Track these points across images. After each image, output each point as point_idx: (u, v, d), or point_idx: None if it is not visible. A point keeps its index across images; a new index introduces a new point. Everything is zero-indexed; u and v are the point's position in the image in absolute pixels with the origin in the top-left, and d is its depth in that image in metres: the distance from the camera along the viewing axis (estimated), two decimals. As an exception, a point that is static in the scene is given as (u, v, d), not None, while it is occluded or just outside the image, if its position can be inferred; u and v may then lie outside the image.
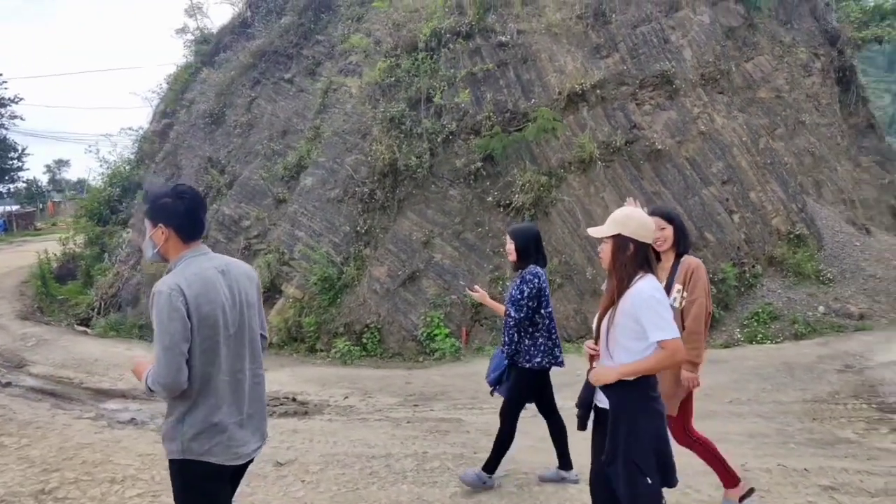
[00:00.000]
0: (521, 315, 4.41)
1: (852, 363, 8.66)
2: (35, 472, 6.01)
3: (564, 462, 4.75)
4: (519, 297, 4.43)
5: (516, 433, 4.64)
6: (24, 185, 47.54)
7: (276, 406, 7.96)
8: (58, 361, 10.50)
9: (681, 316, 4.10)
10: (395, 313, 11.25)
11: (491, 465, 4.65)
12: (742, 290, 11.29)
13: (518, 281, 4.52)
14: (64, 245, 20.29)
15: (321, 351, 11.22)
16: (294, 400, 8.17)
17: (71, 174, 77.86)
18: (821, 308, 11.11)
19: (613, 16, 12.43)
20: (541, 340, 4.49)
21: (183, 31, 19.51)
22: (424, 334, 10.74)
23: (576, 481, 4.69)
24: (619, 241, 3.04)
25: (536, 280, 4.45)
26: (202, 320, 2.60)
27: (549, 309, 4.55)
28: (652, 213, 4.22)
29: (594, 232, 3.19)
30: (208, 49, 18.83)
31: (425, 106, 12.03)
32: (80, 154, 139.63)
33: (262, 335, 2.99)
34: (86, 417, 7.76)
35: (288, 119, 15.25)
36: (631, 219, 3.08)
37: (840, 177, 14.73)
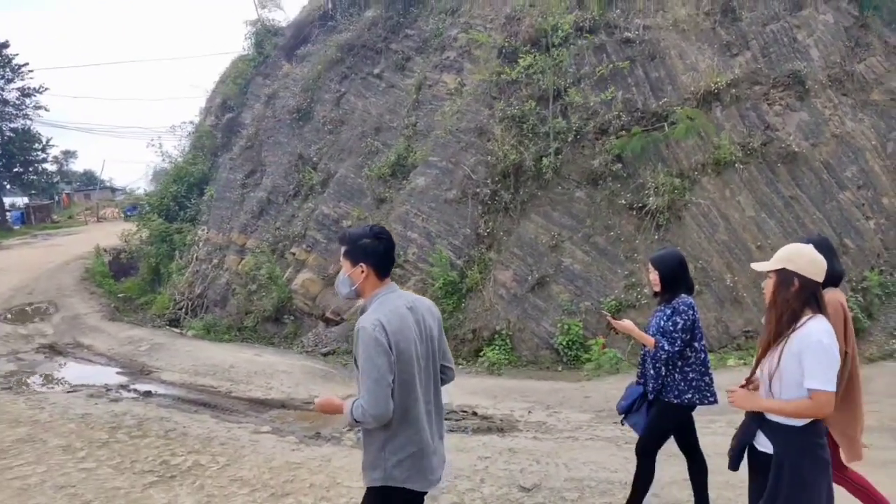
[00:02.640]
0: (676, 349, 4.11)
1: None
2: (263, 497, 5.65)
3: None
4: (672, 329, 4.13)
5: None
6: (35, 176, 46.76)
7: (458, 420, 7.60)
8: (187, 368, 10.10)
9: None
10: (526, 320, 10.87)
11: None
12: (884, 298, 10.93)
13: (669, 312, 4.21)
14: (127, 241, 19.87)
15: (450, 358, 10.82)
16: (475, 414, 7.79)
17: (77, 165, 77.33)
18: (963, 318, 10.77)
19: (743, 13, 12.04)
20: (692, 375, 4.19)
21: (255, 23, 19.01)
22: (563, 343, 10.36)
23: None
24: (784, 275, 2.91)
25: (691, 312, 4.16)
26: (400, 354, 2.73)
27: (703, 342, 4.27)
28: None
29: (758, 267, 3.07)
30: (283, 42, 18.36)
31: (551, 104, 11.63)
32: (86, 144, 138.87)
33: (448, 367, 3.13)
34: (264, 431, 7.40)
35: (380, 115, 14.83)
36: (800, 255, 2.93)
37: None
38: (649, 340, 4.22)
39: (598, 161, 11.13)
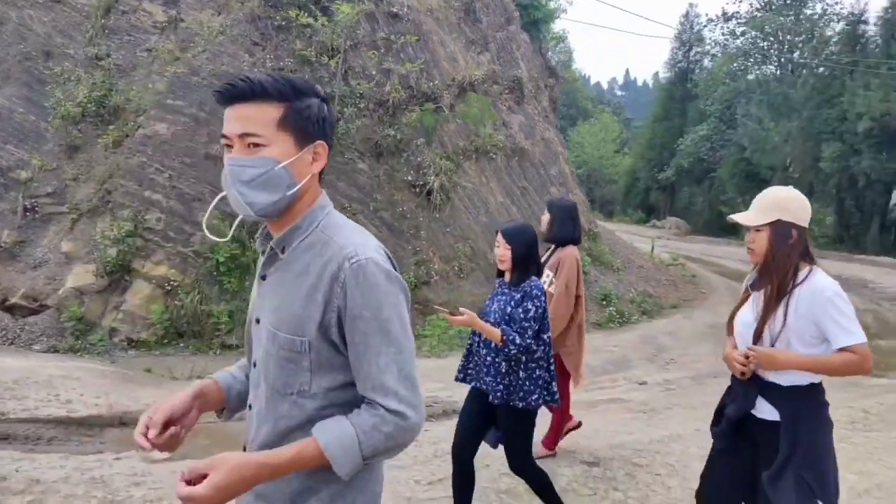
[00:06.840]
0: (527, 341, 3.39)
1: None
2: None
3: None
4: (522, 317, 3.39)
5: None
6: None
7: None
8: None
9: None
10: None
11: None
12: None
13: (519, 296, 3.45)
14: None
15: (239, 347, 8.78)
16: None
17: None
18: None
19: (483, 16, 13.04)
20: (538, 373, 3.47)
21: None
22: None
23: None
24: (780, 228, 2.48)
25: (543, 297, 3.47)
26: None
27: (549, 334, 3.57)
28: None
29: (742, 219, 2.57)
30: None
31: (341, 66, 10.54)
32: None
33: None
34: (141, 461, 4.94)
35: (48, 36, 11.03)
36: (792, 200, 2.53)
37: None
38: (496, 335, 3.36)
39: (381, 133, 10.60)
